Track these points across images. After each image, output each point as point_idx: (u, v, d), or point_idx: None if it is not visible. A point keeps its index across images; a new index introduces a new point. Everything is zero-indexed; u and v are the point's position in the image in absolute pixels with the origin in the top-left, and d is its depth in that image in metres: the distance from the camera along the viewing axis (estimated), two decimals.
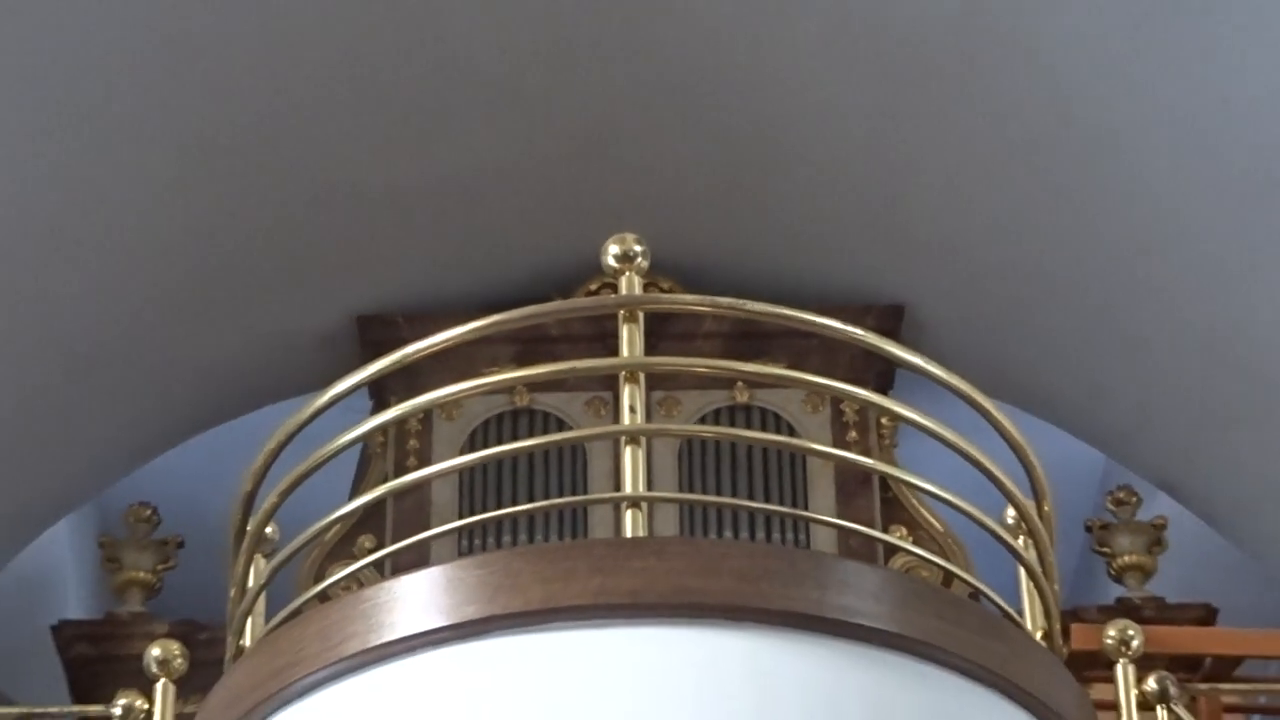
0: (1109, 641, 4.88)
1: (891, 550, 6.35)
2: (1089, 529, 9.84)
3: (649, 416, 4.85)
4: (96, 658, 9.28)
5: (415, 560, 4.78)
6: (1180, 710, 4.85)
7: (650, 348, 4.89)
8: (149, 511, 9.95)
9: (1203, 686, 6.71)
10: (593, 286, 5.10)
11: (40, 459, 9.45)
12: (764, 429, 7.19)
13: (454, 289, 9.10)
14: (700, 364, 5.12)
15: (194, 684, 4.78)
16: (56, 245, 8.57)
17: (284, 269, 9.21)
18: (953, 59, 8.40)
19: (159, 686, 4.77)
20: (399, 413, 5.27)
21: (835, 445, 7.14)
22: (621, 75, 8.65)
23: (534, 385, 6.73)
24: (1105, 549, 9.81)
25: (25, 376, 8.95)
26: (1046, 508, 5.01)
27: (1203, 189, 8.35)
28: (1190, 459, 9.56)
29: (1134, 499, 9.91)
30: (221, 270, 9.05)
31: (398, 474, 5.59)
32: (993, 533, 5.03)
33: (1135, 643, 4.88)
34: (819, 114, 8.72)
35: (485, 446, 6.71)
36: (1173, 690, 4.88)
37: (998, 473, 4.94)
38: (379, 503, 5.72)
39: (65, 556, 10.90)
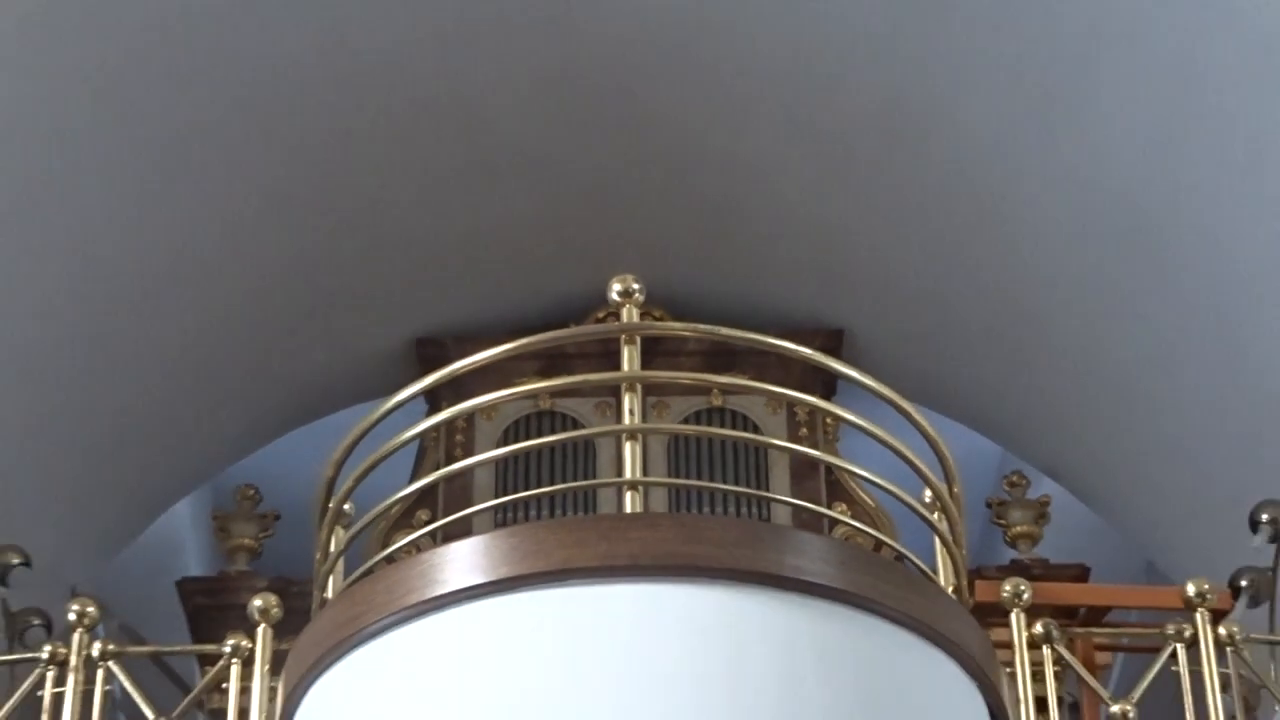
0: (1005, 595, 4.87)
1: (834, 523, 6.27)
2: (989, 505, 9.81)
3: (644, 417, 4.84)
4: (211, 607, 9.26)
5: (461, 531, 4.78)
6: (1061, 649, 4.86)
7: (645, 363, 4.85)
8: (253, 491, 9.95)
9: (1078, 630, 6.62)
10: (600, 314, 5.06)
11: (167, 449, 9.45)
12: (734, 427, 7.17)
13: (492, 315, 9.06)
14: (684, 377, 5.09)
15: (287, 628, 4.73)
16: (180, 276, 8.54)
17: (357, 300, 9.18)
18: (879, 138, 8.35)
19: (260, 630, 4.76)
20: (448, 415, 5.30)
21: (790, 440, 7.14)
22: (622, 146, 8.61)
23: (554, 393, 6.64)
24: (1002, 521, 9.79)
25: (156, 383, 8.92)
26: (955, 489, 5.01)
27: (1078, 236, 8.31)
28: (1068, 450, 9.54)
29: (1024, 482, 9.89)
30: (310, 300, 9.03)
31: (447, 462, 5.58)
32: (914, 509, 5.01)
33: (1025, 596, 4.89)
34: (775, 178, 8.70)
35: (516, 441, 6.68)
36: (1055, 633, 4.89)
37: (917, 462, 4.91)
38: (432, 485, 5.65)
39: (186, 527, 10.85)
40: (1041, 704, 4.66)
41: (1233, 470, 8.12)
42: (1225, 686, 4.71)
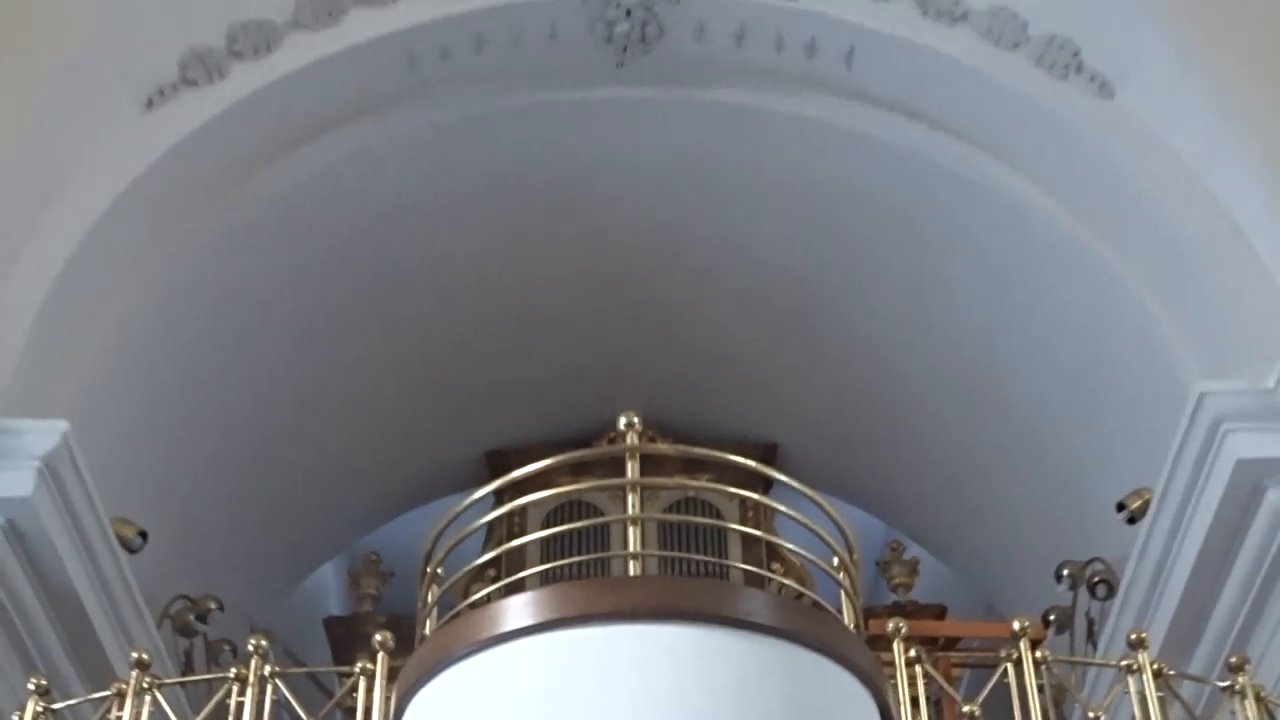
0: (889, 629, 4.78)
1: (771, 579, 6.20)
2: (877, 564, 9.73)
3: (642, 509, 4.79)
4: (346, 637, 9.17)
5: (517, 586, 4.71)
6: (927, 666, 4.73)
7: (642, 471, 4.82)
8: (375, 556, 9.87)
9: (940, 653, 6.64)
10: (612, 435, 5.04)
11: (318, 526, 9.45)
12: (703, 514, 7.08)
13: (541, 434, 8.96)
14: (669, 483, 5.08)
15: (399, 653, 4.68)
16: (328, 405, 8.53)
17: (447, 424, 9.16)
18: (806, 310, 8.37)
19: (380, 655, 4.66)
20: (509, 508, 5.25)
21: (740, 522, 7.06)
22: (626, 317, 8.59)
23: (583, 488, 6.58)
24: (886, 575, 9.70)
25: (312, 481, 8.90)
26: (854, 555, 4.97)
27: (933, 373, 8.34)
28: (930, 524, 9.49)
29: (901, 547, 9.80)
30: (415, 424, 9.00)
31: (508, 538, 5.53)
32: (825, 570, 5.04)
33: (903, 630, 4.78)
34: (730, 342, 8.71)
35: (555, 524, 6.62)
36: (923, 655, 4.77)
37: (827, 537, 4.92)
38: (498, 554, 5.63)
39: (330, 580, 10.77)
40: (915, 703, 4.60)
41: (1043, 535, 8.11)
42: (1041, 691, 4.68)
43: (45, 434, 5.94)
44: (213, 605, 7.65)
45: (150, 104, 6.88)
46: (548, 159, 7.70)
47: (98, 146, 6.75)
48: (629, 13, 7.13)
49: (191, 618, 7.57)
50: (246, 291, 7.56)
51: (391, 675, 4.57)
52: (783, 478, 5.15)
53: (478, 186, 7.74)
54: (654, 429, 5.06)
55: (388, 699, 4.53)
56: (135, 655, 4.88)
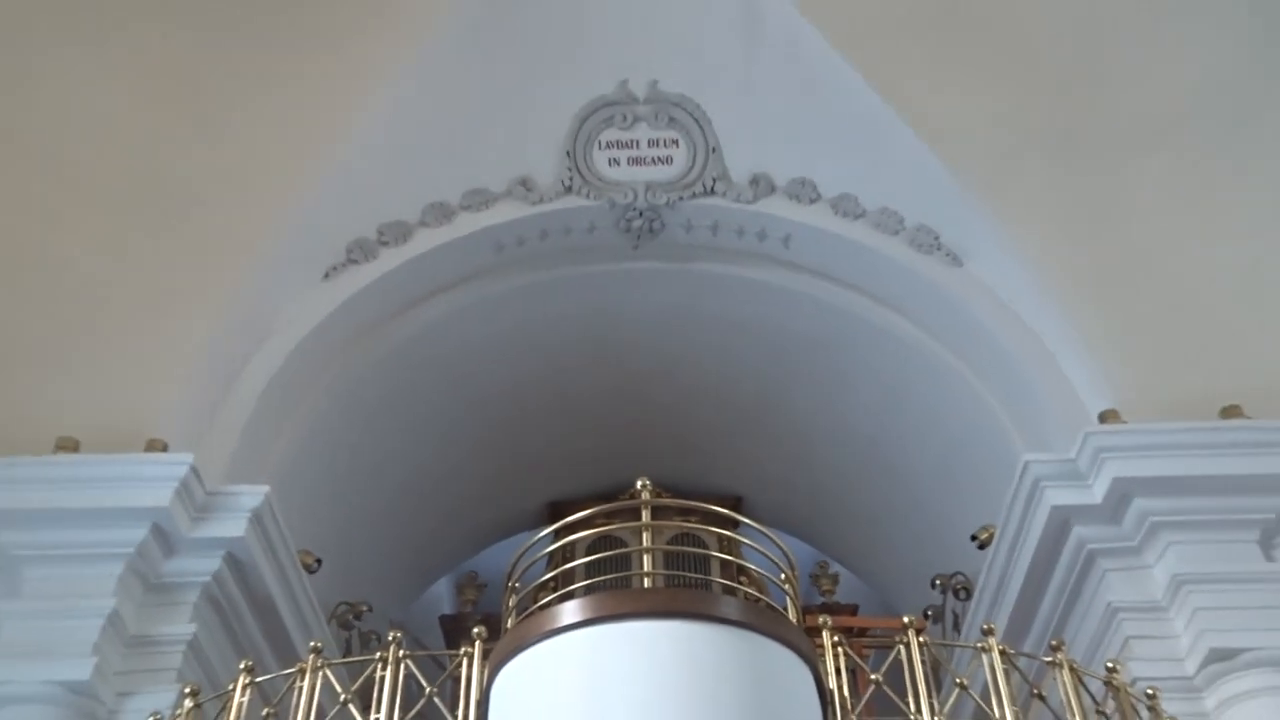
0: (820, 622, 4.69)
1: (739, 590, 6.08)
2: (811, 577, 9.61)
3: (652, 542, 4.69)
4: (454, 630, 9.09)
5: (568, 596, 4.61)
6: (845, 648, 4.59)
7: (651, 516, 4.76)
8: (475, 574, 9.80)
9: (854, 638, 6.51)
10: (633, 491, 4.94)
11: (438, 552, 9.23)
12: (693, 545, 6.94)
13: (583, 490, 8.82)
14: (670, 525, 5.02)
15: (490, 640, 4.55)
16: (432, 465, 8.24)
17: (518, 482, 8.97)
18: (758, 401, 8.30)
19: (477, 643, 4.55)
20: (563, 542, 5.19)
21: (719, 551, 6.95)
22: (637, 406, 8.41)
23: (613, 528, 6.46)
24: (817, 584, 9.58)
25: (433, 520, 8.68)
26: (795, 572, 4.89)
27: (850, 449, 8.26)
28: (844, 547, 9.32)
29: (826, 565, 9.70)
30: (496, 480, 8.80)
31: (562, 563, 5.40)
32: (775, 582, 4.95)
33: (829, 623, 4.68)
34: (707, 429, 8.64)
35: (595, 552, 6.48)
36: (843, 640, 4.63)
37: (776, 560, 4.85)
38: (556, 574, 5.51)
39: (444, 590, 10.57)
40: (839, 673, 4.47)
41: (923, 557, 7.97)
42: (924, 664, 4.57)
43: (254, 494, 5.92)
44: (364, 608, 7.55)
45: (327, 275, 6.92)
46: (586, 309, 7.68)
47: (294, 303, 6.78)
48: (641, 214, 7.16)
49: (350, 617, 7.47)
50: (386, 395, 7.50)
51: (485, 656, 4.47)
52: (746, 521, 5.08)
53: (539, 327, 7.69)
54: (659, 487, 4.97)
55: (483, 673, 4.43)
56: (312, 644, 4.81)
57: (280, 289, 6.70)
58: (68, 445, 5.77)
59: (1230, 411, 5.86)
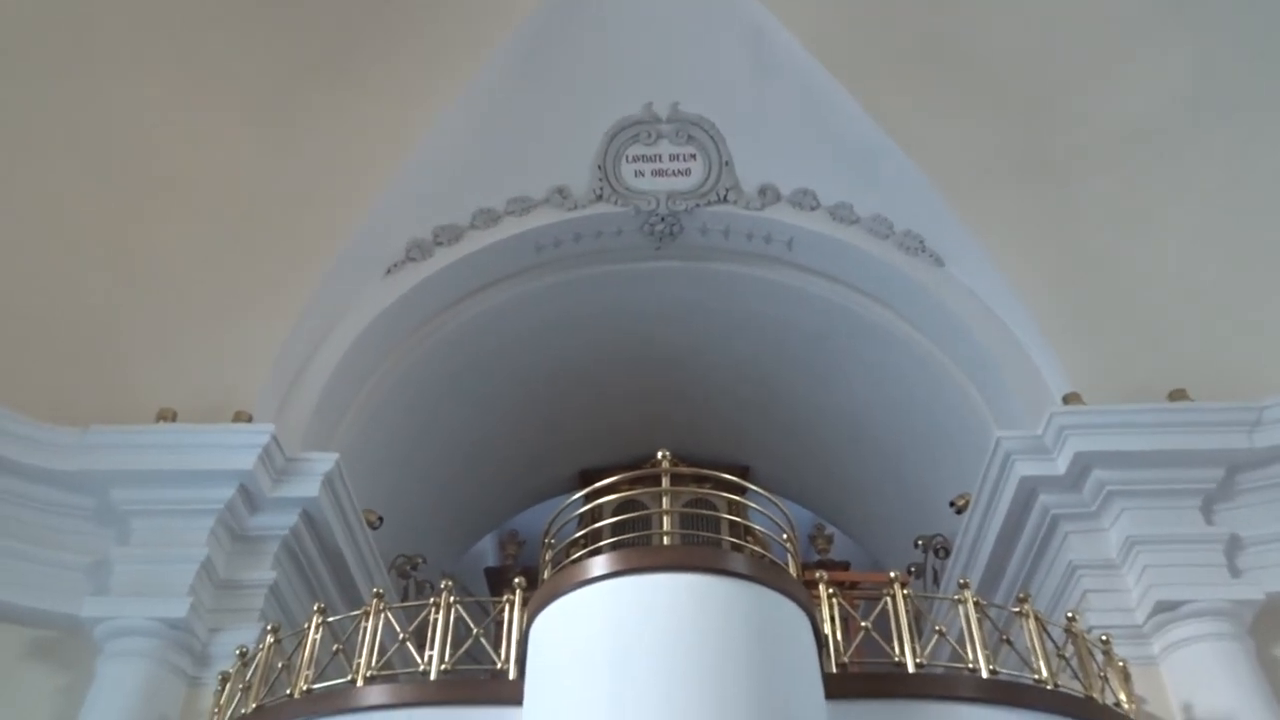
0: (816, 576, 4.70)
1: (746, 548, 6.08)
2: (809, 537, 9.61)
3: (671, 504, 4.67)
4: (498, 581, 9.12)
5: (597, 552, 4.58)
6: (839, 600, 4.60)
7: (671, 483, 4.76)
8: (515, 531, 9.81)
9: (847, 590, 6.50)
10: (654, 461, 4.91)
11: (484, 512, 9.17)
12: (706, 508, 6.97)
13: (611, 460, 8.72)
14: (686, 490, 5.02)
15: (530, 589, 4.56)
16: (478, 437, 8.20)
17: (558, 453, 8.94)
18: (763, 384, 8.26)
19: (518, 591, 4.58)
20: (592, 505, 5.19)
21: (728, 513, 6.95)
22: (655, 387, 8.38)
23: (636, 493, 6.45)
24: (814, 544, 9.57)
25: (479, 484, 8.66)
26: (795, 533, 4.90)
27: (841, 426, 8.24)
28: (837, 511, 9.25)
29: (823, 527, 9.70)
30: (540, 454, 8.81)
31: (591, 523, 5.42)
32: (778, 541, 4.91)
33: (824, 577, 4.70)
34: (720, 407, 8.58)
35: (620, 514, 6.43)
36: (836, 593, 4.65)
37: (779, 521, 4.82)
38: (586, 531, 5.51)
39: (489, 545, 10.63)
40: (832, 621, 4.48)
41: (907, 520, 7.96)
42: (907, 614, 4.57)
43: (325, 460, 5.95)
44: (419, 560, 7.59)
45: (389, 272, 6.92)
46: (613, 303, 7.66)
47: (360, 296, 6.79)
48: (663, 219, 7.13)
49: (407, 568, 7.51)
50: (439, 376, 7.51)
51: (524, 603, 4.49)
52: (753, 487, 5.07)
53: (573, 319, 7.69)
54: (677, 457, 4.97)
55: (523, 617, 4.45)
56: (375, 590, 4.84)
57: (348, 284, 6.71)
58: (167, 416, 5.82)
59: (1177, 395, 5.83)
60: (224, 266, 6.39)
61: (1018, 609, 4.70)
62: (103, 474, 5.53)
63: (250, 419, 5.86)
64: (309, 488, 5.79)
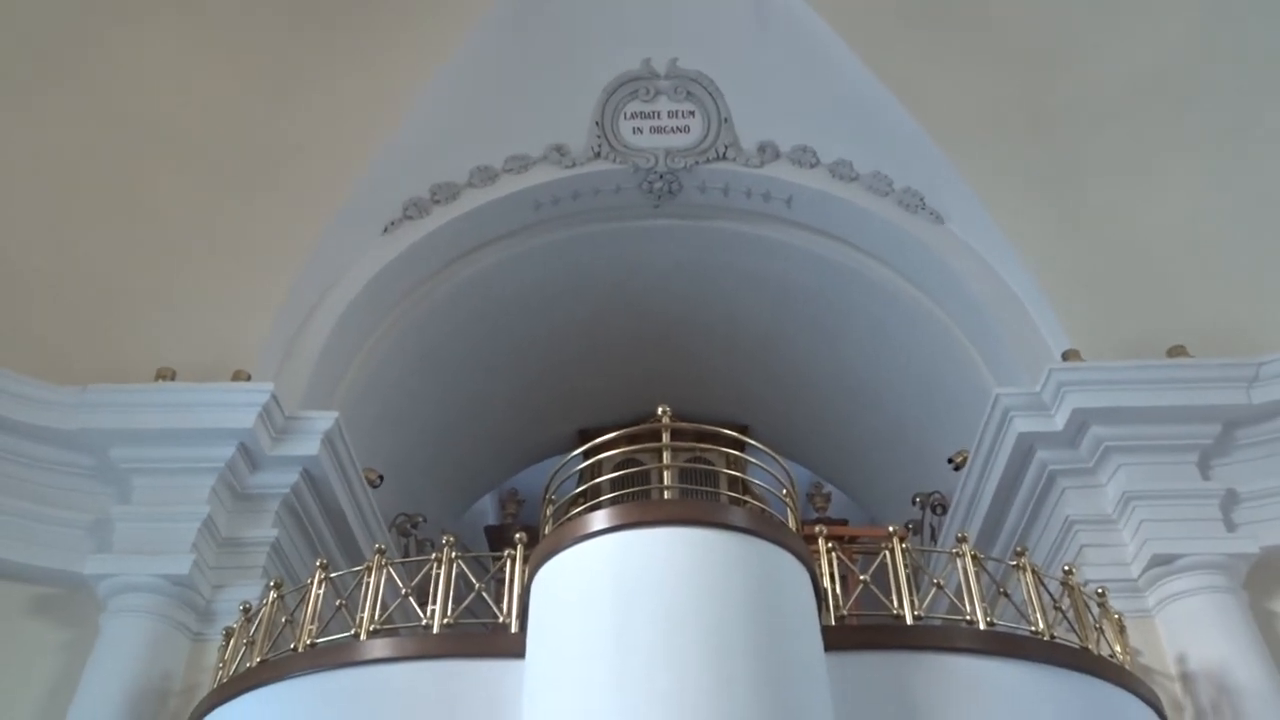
0: (816, 531, 4.71)
1: (745, 503, 6.11)
2: (808, 495, 9.65)
3: (671, 459, 4.66)
4: (498, 539, 9.14)
5: (596, 507, 4.58)
6: (838, 554, 4.63)
7: (671, 438, 4.74)
8: (515, 490, 9.86)
9: (845, 545, 6.51)
10: (655, 417, 4.91)
11: (484, 471, 9.20)
12: (704, 463, 6.96)
13: (610, 418, 8.63)
14: (685, 446, 5.02)
15: (530, 545, 4.57)
16: (477, 396, 8.20)
17: (557, 413, 8.97)
18: (764, 342, 8.25)
19: (519, 547, 4.60)
20: (592, 461, 5.19)
21: (726, 468, 6.99)
22: (658, 351, 8.40)
23: (635, 450, 6.46)
24: (812, 501, 9.63)
25: (479, 445, 8.72)
26: (794, 489, 4.86)
27: (844, 382, 8.25)
28: (836, 470, 9.28)
29: (821, 485, 9.74)
30: (537, 413, 8.84)
31: (590, 479, 5.41)
32: (777, 496, 4.88)
33: (824, 531, 4.69)
34: (719, 365, 8.58)
35: (620, 470, 6.48)
36: (836, 547, 4.67)
37: (780, 476, 4.81)
38: (586, 487, 5.53)
39: (489, 504, 10.66)
40: (831, 576, 4.51)
41: (905, 477, 7.99)
42: (905, 567, 4.60)
43: (325, 419, 5.94)
44: (420, 518, 7.62)
45: (386, 230, 6.89)
46: (612, 261, 7.64)
47: (359, 253, 6.78)
48: (661, 177, 7.10)
49: (408, 526, 7.54)
50: (438, 335, 7.51)
51: (525, 560, 4.51)
52: (753, 443, 5.06)
53: (571, 276, 7.68)
54: (677, 415, 4.97)
55: (524, 572, 4.47)
56: (377, 545, 4.86)
57: (347, 243, 6.68)
58: (166, 375, 5.81)
59: (1175, 351, 5.83)
60: (223, 226, 6.37)
61: (1015, 563, 4.73)
62: (102, 433, 5.54)
63: (249, 378, 5.86)
64: (309, 446, 5.80)
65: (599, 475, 6.58)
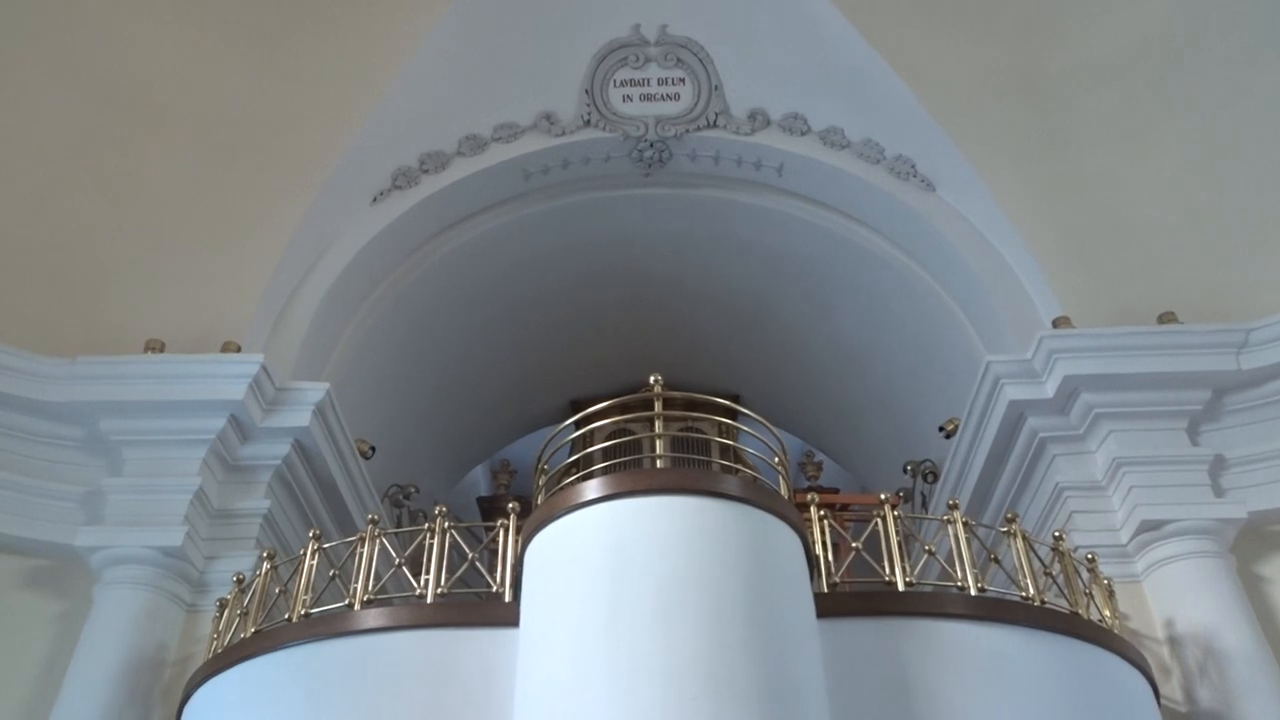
0: (808, 499, 4.71)
1: (737, 471, 6.12)
2: (800, 463, 9.67)
3: (664, 429, 4.66)
4: (491, 508, 9.18)
5: (589, 477, 4.57)
6: (830, 521, 4.64)
7: (663, 408, 4.73)
8: (507, 461, 9.86)
9: (838, 512, 6.55)
10: (647, 387, 4.90)
11: (476, 442, 9.18)
12: (695, 432, 6.98)
13: (602, 388, 8.68)
14: (678, 415, 5.01)
15: (523, 516, 4.56)
16: (470, 366, 8.21)
17: (547, 384, 8.97)
18: (755, 310, 8.25)
19: (512, 517, 4.58)
20: (584, 430, 5.15)
21: (719, 436, 7.01)
22: (650, 319, 8.40)
23: (627, 419, 6.45)
24: (804, 470, 9.65)
25: (470, 415, 8.68)
26: (786, 458, 4.86)
27: (836, 349, 8.25)
28: (828, 439, 9.29)
29: (812, 455, 9.76)
30: (529, 384, 8.83)
31: (584, 448, 5.42)
32: (770, 465, 4.90)
33: (816, 499, 4.70)
34: (711, 335, 8.57)
35: (613, 439, 6.48)
36: (827, 514, 4.67)
37: (770, 444, 4.82)
38: (579, 457, 5.53)
39: (481, 475, 10.67)
40: (824, 544, 4.53)
41: (896, 445, 8.02)
42: (897, 534, 4.61)
43: (316, 390, 5.93)
44: (412, 489, 7.62)
45: (375, 200, 6.84)
46: (602, 230, 7.61)
47: (347, 224, 6.73)
48: (651, 145, 7.05)
49: (400, 497, 7.55)
50: (431, 304, 7.48)
51: (518, 530, 4.50)
52: (745, 411, 5.05)
53: (563, 246, 7.64)
54: (669, 384, 4.97)
55: (517, 542, 4.47)
56: (370, 516, 4.86)
57: (335, 213, 6.64)
58: (155, 346, 5.78)
59: (1166, 317, 5.83)
60: (211, 196, 6.32)
61: (1005, 529, 4.75)
62: (91, 405, 5.51)
63: (239, 349, 5.83)
64: (300, 417, 5.79)
65: (591, 445, 6.59)
